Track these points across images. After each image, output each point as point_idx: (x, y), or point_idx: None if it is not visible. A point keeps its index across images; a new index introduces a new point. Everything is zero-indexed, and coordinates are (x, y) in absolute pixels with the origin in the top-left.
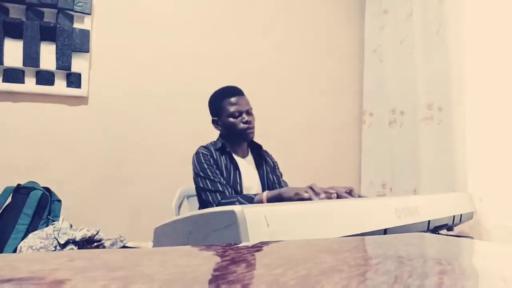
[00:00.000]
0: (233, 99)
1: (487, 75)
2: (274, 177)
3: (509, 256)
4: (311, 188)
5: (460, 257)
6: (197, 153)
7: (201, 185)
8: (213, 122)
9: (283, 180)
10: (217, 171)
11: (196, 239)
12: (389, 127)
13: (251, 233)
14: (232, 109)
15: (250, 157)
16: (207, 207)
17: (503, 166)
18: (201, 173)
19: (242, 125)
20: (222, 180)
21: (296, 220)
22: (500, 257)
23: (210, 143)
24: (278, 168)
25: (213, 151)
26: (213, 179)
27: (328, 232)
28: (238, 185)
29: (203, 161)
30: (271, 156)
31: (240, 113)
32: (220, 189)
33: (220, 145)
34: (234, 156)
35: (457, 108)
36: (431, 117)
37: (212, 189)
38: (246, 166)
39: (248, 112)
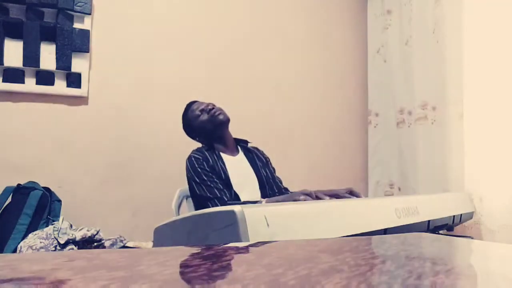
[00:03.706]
0: (193, 106)
1: (484, 74)
2: (268, 172)
3: (508, 256)
4: (308, 195)
5: (460, 257)
6: (189, 157)
7: (198, 192)
8: (195, 138)
9: (276, 176)
10: (212, 175)
11: (196, 239)
12: (397, 127)
13: (251, 233)
14: (196, 111)
15: (240, 155)
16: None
17: (504, 166)
18: (196, 179)
19: (207, 115)
20: (218, 184)
21: (296, 220)
22: (500, 257)
23: (202, 146)
24: (270, 164)
25: (206, 153)
26: (210, 185)
27: (328, 232)
28: (231, 186)
29: (197, 165)
30: (262, 152)
31: (203, 110)
32: (218, 195)
33: (209, 147)
34: (225, 155)
35: (456, 108)
36: (433, 117)
37: (211, 196)
38: (238, 164)
39: (210, 104)
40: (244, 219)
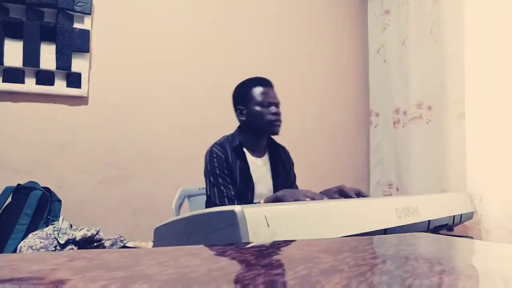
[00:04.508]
0: (263, 89)
1: (486, 73)
2: (287, 181)
3: (509, 256)
4: (311, 198)
5: (460, 257)
6: (211, 151)
7: (208, 191)
8: (237, 111)
9: (295, 185)
10: (228, 179)
11: (196, 239)
12: (393, 127)
13: (251, 233)
14: (261, 98)
15: (266, 157)
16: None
17: (504, 166)
18: (211, 178)
19: (270, 116)
20: (230, 192)
21: (296, 220)
22: (500, 257)
23: (226, 138)
24: (293, 170)
25: (229, 152)
26: (222, 190)
27: (328, 232)
28: (250, 192)
29: (216, 164)
30: (288, 154)
31: (270, 104)
32: (226, 203)
33: (237, 143)
34: (250, 156)
35: (455, 107)
36: (429, 116)
37: (218, 203)
38: (261, 168)
39: (277, 105)
40: (244, 219)
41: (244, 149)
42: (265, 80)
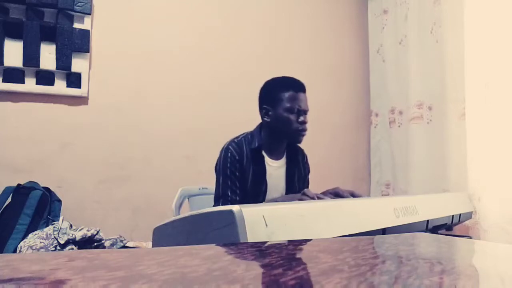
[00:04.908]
0: (295, 94)
1: (485, 73)
2: (301, 187)
3: (507, 256)
4: (305, 194)
5: (460, 257)
6: (226, 149)
7: (215, 191)
8: (263, 110)
9: None
10: (237, 183)
11: (195, 239)
12: (389, 127)
13: (250, 232)
14: (291, 104)
15: (283, 160)
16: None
17: (502, 166)
18: (220, 179)
19: (297, 125)
20: (236, 197)
21: (295, 220)
22: (499, 257)
23: (245, 136)
24: (308, 176)
25: (245, 152)
26: (228, 194)
27: (326, 231)
28: (261, 195)
29: (228, 165)
30: (306, 159)
31: (299, 112)
32: None
33: (256, 145)
34: (268, 158)
35: (456, 107)
36: (429, 116)
37: (220, 205)
38: (276, 171)
39: (306, 113)
40: (243, 219)
41: (263, 152)
42: (299, 84)
